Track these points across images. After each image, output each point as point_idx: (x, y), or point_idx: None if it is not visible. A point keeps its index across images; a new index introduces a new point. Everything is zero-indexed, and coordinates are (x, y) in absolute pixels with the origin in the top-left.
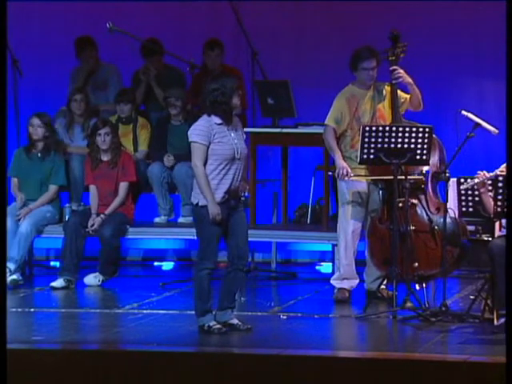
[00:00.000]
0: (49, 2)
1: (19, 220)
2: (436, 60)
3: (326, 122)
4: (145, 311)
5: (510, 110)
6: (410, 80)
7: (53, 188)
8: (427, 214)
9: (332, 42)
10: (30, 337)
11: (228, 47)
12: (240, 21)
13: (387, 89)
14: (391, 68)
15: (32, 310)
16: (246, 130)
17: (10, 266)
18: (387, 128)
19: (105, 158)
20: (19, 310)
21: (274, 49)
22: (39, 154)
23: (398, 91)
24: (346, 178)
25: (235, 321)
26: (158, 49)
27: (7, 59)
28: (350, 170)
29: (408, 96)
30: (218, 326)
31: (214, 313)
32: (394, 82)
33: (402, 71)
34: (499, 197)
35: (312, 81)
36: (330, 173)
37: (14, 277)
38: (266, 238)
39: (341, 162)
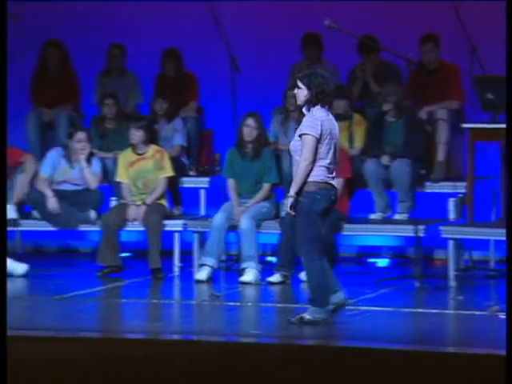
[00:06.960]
0: (273, 2)
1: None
2: None
3: None
4: (361, 308)
5: (510, 110)
6: None
7: (266, 186)
8: None
9: None
10: (248, 330)
11: (447, 42)
12: (459, 16)
13: None
14: None
15: (250, 304)
16: (464, 125)
17: (249, 264)
18: None
19: None
20: (237, 303)
21: (494, 44)
22: (251, 154)
23: None
24: None
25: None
26: (375, 45)
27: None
28: None
29: None
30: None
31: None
32: None
33: None
34: None
35: None
36: None
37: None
38: (484, 235)
39: None
